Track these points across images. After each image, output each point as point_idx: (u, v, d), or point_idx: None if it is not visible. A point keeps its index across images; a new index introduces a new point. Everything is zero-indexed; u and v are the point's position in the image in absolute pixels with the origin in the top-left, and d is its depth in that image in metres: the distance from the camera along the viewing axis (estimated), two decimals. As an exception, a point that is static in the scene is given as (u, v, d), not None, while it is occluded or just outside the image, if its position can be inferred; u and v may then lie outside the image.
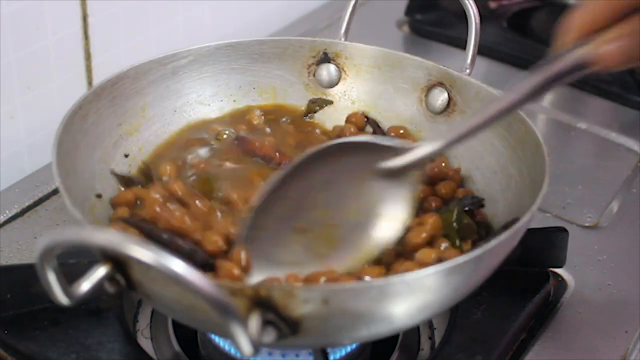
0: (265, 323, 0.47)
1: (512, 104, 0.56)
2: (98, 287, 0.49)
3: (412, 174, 0.60)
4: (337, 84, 0.79)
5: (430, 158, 0.60)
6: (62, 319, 0.66)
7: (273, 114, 0.77)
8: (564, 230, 0.74)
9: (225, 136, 0.73)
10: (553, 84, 0.54)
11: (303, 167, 0.60)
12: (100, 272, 0.49)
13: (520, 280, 0.73)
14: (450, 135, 0.57)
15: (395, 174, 0.60)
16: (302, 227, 0.60)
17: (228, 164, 0.70)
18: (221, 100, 0.77)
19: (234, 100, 0.77)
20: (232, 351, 0.65)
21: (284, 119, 0.76)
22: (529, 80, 0.54)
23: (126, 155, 0.69)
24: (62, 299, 0.47)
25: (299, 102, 0.78)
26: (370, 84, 0.78)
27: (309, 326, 0.49)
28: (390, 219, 0.60)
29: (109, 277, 0.49)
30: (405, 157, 0.59)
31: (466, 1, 0.74)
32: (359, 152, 0.61)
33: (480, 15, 0.74)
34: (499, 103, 0.56)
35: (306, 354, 0.64)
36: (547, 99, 1.07)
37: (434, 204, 0.67)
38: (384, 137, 0.64)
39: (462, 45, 0.74)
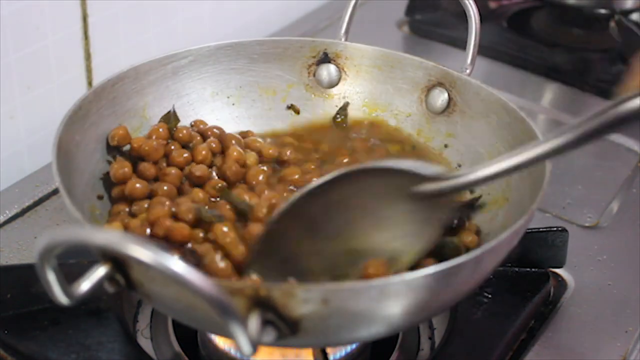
0: (265, 323, 0.47)
1: (561, 147, 0.51)
2: (98, 287, 0.49)
3: (443, 201, 0.56)
4: (337, 84, 0.79)
5: (469, 187, 0.58)
6: (62, 319, 0.66)
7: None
8: (564, 230, 0.74)
9: None
10: (608, 131, 0.49)
11: (326, 188, 0.58)
12: (100, 272, 0.49)
13: (520, 280, 0.73)
14: (489, 169, 0.53)
15: (425, 200, 0.56)
16: (317, 247, 0.58)
17: None
18: (221, 101, 0.77)
19: (234, 102, 0.77)
20: (232, 351, 0.65)
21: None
22: (584, 124, 0.49)
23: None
24: (62, 298, 0.47)
25: (299, 102, 0.78)
26: (370, 84, 0.78)
27: (309, 326, 0.49)
28: (411, 244, 0.57)
29: (108, 277, 0.49)
30: (442, 183, 0.55)
31: (466, 1, 0.74)
32: (386, 176, 0.58)
33: (480, 15, 0.74)
34: (544, 145, 0.51)
35: (306, 354, 0.64)
36: (547, 98, 1.07)
37: None
38: (415, 164, 0.58)
39: (462, 45, 0.74)
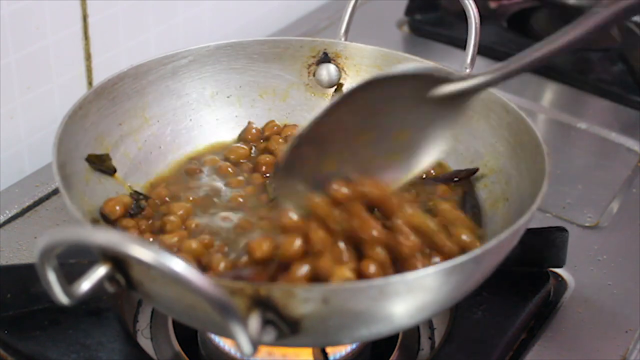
0: (265, 322, 0.47)
1: (568, 44, 0.57)
2: (98, 287, 0.49)
3: (462, 101, 0.60)
4: (337, 83, 0.79)
5: (486, 86, 0.60)
6: (62, 319, 0.66)
7: None
8: (564, 230, 0.74)
9: None
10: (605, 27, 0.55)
11: (351, 98, 0.59)
12: (100, 271, 0.49)
13: (520, 280, 0.73)
14: (504, 68, 0.59)
15: (446, 101, 0.60)
16: (347, 152, 0.61)
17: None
18: (221, 101, 0.77)
19: (234, 102, 0.77)
20: (232, 351, 0.65)
21: None
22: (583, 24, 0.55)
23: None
24: (62, 298, 0.47)
25: (299, 102, 0.78)
26: (370, 84, 0.78)
27: (309, 326, 0.49)
28: (434, 143, 0.62)
29: (109, 277, 0.49)
30: (461, 84, 0.59)
31: (466, 1, 0.74)
32: (408, 82, 0.60)
33: (480, 15, 0.74)
34: (555, 43, 0.58)
35: (306, 354, 0.64)
36: (547, 98, 1.07)
37: None
38: (433, 67, 0.63)
39: (462, 45, 0.75)
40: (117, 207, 0.64)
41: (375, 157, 0.62)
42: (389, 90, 0.59)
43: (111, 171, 0.67)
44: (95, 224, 0.63)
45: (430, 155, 0.62)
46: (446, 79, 0.59)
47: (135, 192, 0.68)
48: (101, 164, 0.66)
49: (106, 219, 0.64)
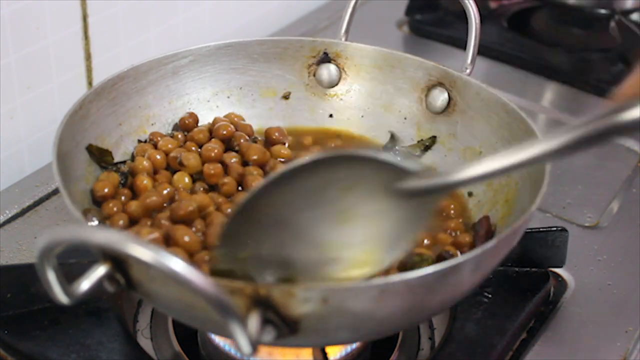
0: (265, 322, 0.47)
1: (549, 153, 0.45)
2: (98, 286, 0.49)
3: (428, 200, 0.51)
4: (337, 83, 0.79)
5: (455, 186, 0.50)
6: (62, 319, 0.66)
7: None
8: (564, 230, 0.74)
9: None
10: (598, 141, 0.44)
11: (298, 175, 0.51)
12: (99, 271, 0.49)
13: (520, 280, 0.73)
14: (481, 167, 0.48)
15: (408, 199, 0.51)
16: (283, 244, 0.52)
17: None
18: (221, 100, 0.77)
19: (234, 102, 0.77)
20: (232, 351, 0.65)
21: None
22: (573, 131, 0.44)
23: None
24: (62, 298, 0.47)
25: (299, 102, 0.78)
26: (370, 84, 0.78)
27: (309, 325, 0.49)
28: (387, 247, 0.53)
29: (108, 277, 0.49)
30: (430, 180, 0.50)
31: (466, 1, 0.74)
32: (364, 167, 0.51)
33: (481, 15, 0.74)
34: (533, 148, 0.46)
35: (306, 354, 0.64)
36: (547, 98, 1.07)
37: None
38: (398, 158, 0.51)
39: (462, 45, 0.75)
40: (106, 189, 0.64)
41: (324, 245, 0.52)
42: (339, 174, 0.51)
43: (108, 165, 0.68)
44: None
45: (388, 254, 0.52)
46: (408, 173, 0.50)
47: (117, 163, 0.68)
48: (100, 157, 0.67)
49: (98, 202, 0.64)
